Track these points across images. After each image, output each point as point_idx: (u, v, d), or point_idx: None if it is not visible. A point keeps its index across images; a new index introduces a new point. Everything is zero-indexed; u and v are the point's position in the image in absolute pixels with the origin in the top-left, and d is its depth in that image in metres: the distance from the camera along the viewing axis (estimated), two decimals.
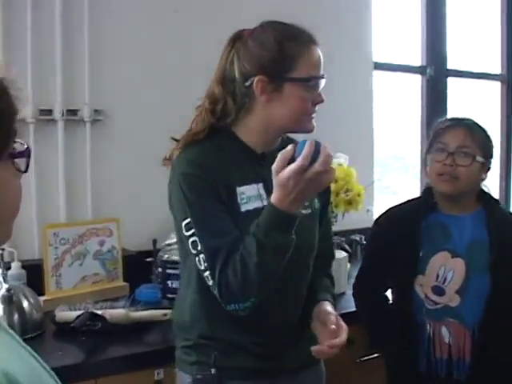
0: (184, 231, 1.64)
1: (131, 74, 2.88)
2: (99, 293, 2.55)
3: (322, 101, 1.73)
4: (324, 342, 1.67)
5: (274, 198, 1.53)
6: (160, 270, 2.52)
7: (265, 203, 1.69)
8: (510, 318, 2.13)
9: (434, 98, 4.21)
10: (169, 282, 2.48)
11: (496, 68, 4.72)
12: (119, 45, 2.86)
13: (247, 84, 1.70)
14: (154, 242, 2.72)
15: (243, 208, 1.70)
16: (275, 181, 1.52)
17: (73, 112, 2.76)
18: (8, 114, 0.89)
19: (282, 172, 1.50)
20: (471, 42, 4.55)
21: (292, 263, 1.63)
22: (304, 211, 1.78)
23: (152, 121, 2.91)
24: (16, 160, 0.92)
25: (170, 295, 2.44)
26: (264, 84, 1.68)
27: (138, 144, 2.89)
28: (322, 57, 1.72)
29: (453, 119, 2.22)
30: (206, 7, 3.05)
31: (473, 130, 2.14)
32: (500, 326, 2.09)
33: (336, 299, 1.94)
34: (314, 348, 1.67)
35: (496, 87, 4.75)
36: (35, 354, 0.96)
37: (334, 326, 1.68)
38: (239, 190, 1.71)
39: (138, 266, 2.71)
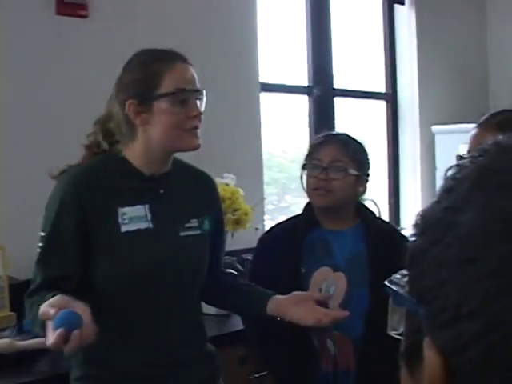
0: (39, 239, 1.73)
1: (13, 99, 2.83)
2: None
3: (197, 114, 1.74)
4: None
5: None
6: None
7: (149, 225, 1.73)
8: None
9: (322, 117, 4.30)
10: None
11: (381, 87, 4.89)
12: None
13: (125, 112, 1.73)
14: None
15: (123, 228, 1.72)
16: None
17: None
18: None
19: None
20: (356, 62, 4.70)
21: (175, 281, 1.69)
22: (193, 232, 1.81)
23: (34, 146, 2.86)
24: None
25: None
26: (135, 107, 1.72)
27: (23, 170, 2.83)
28: (193, 73, 1.76)
29: (326, 135, 2.29)
30: (91, 29, 3.05)
31: (345, 145, 2.22)
32: (380, 338, 2.14)
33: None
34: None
35: (381, 106, 4.92)
36: None
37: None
38: (121, 210, 1.73)
39: None
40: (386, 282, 1.30)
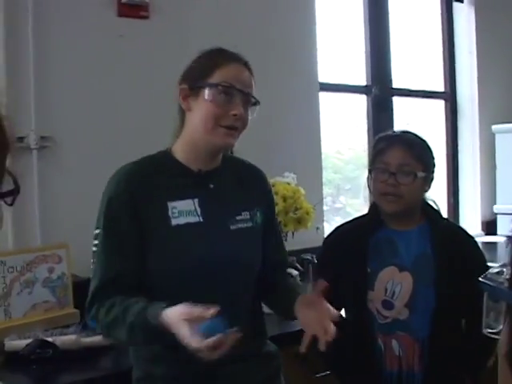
0: (93, 237, 1.75)
1: (78, 99, 2.88)
2: (50, 320, 2.51)
3: (237, 113, 1.73)
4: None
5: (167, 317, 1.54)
6: None
7: (199, 219, 1.75)
8: (456, 330, 2.17)
9: (380, 117, 4.27)
10: None
11: (439, 86, 4.83)
12: (65, 69, 2.85)
13: (178, 96, 1.80)
14: None
15: (174, 222, 1.73)
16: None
17: (19, 139, 2.74)
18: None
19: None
20: (415, 61, 4.65)
21: (226, 277, 1.70)
22: (245, 225, 1.81)
23: (100, 145, 2.91)
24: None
25: None
26: (185, 92, 1.77)
27: (87, 170, 2.87)
28: (249, 77, 1.79)
29: (391, 136, 2.25)
30: (151, 32, 3.07)
31: (411, 146, 2.18)
32: (447, 338, 2.12)
33: None
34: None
35: (440, 105, 4.85)
36: None
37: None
38: (170, 204, 1.74)
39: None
40: (480, 279, 1.26)
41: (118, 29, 2.99)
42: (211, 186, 1.81)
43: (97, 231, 1.74)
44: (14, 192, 0.93)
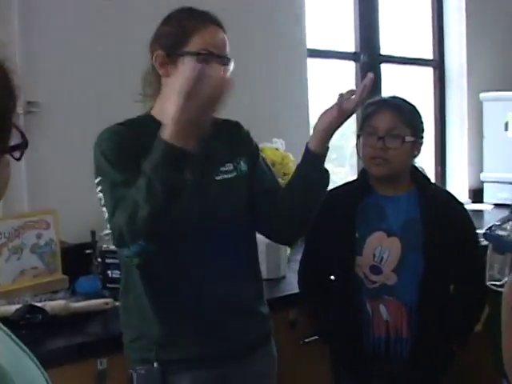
0: (97, 189, 1.71)
1: (65, 63, 2.84)
2: (38, 286, 2.51)
3: None
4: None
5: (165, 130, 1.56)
6: (99, 260, 2.51)
7: (186, 176, 1.69)
8: (444, 295, 2.20)
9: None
10: (109, 272, 2.46)
11: (428, 54, 4.81)
12: (51, 33, 2.81)
13: (154, 62, 1.79)
14: (93, 233, 2.69)
15: None
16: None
17: None
18: (7, 107, 0.88)
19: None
20: (403, 29, 4.63)
21: (211, 231, 1.71)
22: (229, 175, 1.83)
23: (86, 110, 2.88)
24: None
25: (110, 285, 2.43)
26: (161, 58, 1.77)
27: (74, 135, 2.85)
28: (224, 39, 1.79)
29: (380, 101, 2.25)
30: None
31: (400, 110, 2.18)
32: (434, 303, 2.14)
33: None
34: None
35: (428, 73, 4.84)
36: (25, 348, 0.97)
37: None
38: None
39: (78, 259, 2.68)
40: (484, 231, 1.26)
41: None
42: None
43: (98, 178, 1.72)
44: (22, 146, 0.93)
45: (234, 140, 1.92)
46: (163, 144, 1.54)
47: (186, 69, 1.59)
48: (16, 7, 2.70)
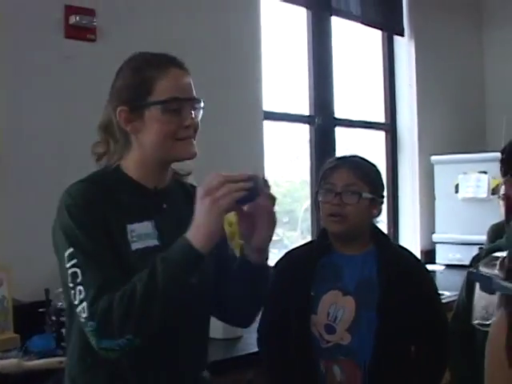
0: (65, 262, 1.57)
1: (24, 118, 2.85)
2: None
3: (190, 124, 1.67)
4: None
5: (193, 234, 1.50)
6: (54, 318, 2.47)
7: (157, 242, 1.66)
8: (399, 355, 2.16)
9: (323, 146, 4.32)
10: (63, 331, 2.41)
11: (380, 117, 4.94)
12: (10, 87, 2.83)
13: (118, 119, 1.68)
14: (47, 291, 2.65)
15: (133, 246, 1.64)
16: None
17: None
18: None
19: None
20: (357, 92, 4.75)
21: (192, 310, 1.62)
22: None
23: (46, 164, 2.87)
24: None
25: (64, 344, 2.38)
26: (126, 114, 1.66)
27: (31, 189, 2.83)
28: (189, 80, 1.70)
29: (339, 158, 2.29)
30: (98, 54, 3.08)
31: (358, 167, 2.21)
32: (390, 364, 2.12)
33: None
34: None
35: (381, 136, 4.96)
36: None
37: None
38: (129, 227, 1.65)
39: (31, 317, 2.62)
40: (471, 270, 1.23)
41: (66, 51, 2.98)
42: (164, 206, 1.74)
43: (69, 250, 1.56)
44: None
45: None
46: (188, 247, 1.50)
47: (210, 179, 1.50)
48: None
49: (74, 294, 1.55)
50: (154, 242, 1.67)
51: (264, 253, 1.69)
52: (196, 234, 1.51)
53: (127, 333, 1.49)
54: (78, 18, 2.98)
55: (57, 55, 2.96)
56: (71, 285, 1.56)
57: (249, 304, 1.81)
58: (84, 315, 1.53)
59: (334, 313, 2.17)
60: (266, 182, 1.57)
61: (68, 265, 1.56)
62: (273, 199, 1.60)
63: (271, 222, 1.63)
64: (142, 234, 1.66)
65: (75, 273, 1.55)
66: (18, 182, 2.84)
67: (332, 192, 2.17)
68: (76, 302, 1.54)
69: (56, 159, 2.88)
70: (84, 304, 1.53)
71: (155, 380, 1.67)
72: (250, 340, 2.45)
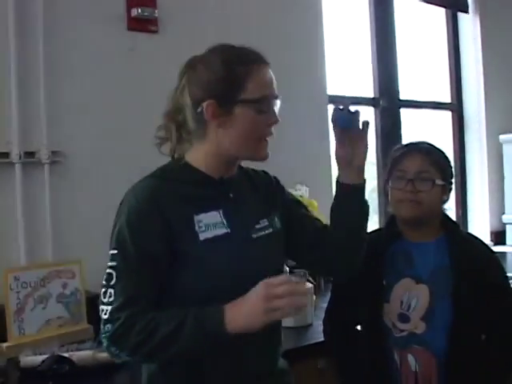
0: (110, 263, 1.60)
1: (89, 113, 2.88)
2: (64, 336, 2.51)
3: (276, 121, 1.67)
4: None
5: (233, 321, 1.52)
6: None
7: (226, 230, 1.67)
8: (474, 344, 2.13)
9: (388, 129, 4.27)
10: None
11: (446, 97, 4.84)
12: (76, 83, 2.86)
13: (199, 110, 1.65)
14: None
15: (202, 236, 1.64)
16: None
17: (30, 154, 2.74)
18: None
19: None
20: (422, 73, 4.66)
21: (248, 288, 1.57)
22: (265, 231, 1.76)
23: (112, 160, 2.91)
24: None
25: None
26: (214, 108, 1.63)
27: (99, 184, 2.88)
28: (273, 76, 1.68)
29: (408, 145, 2.23)
30: (160, 46, 3.09)
31: (430, 154, 2.16)
32: (465, 354, 2.08)
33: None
34: None
35: (447, 116, 4.86)
36: None
37: None
38: (197, 218, 1.65)
39: None
40: None
41: (128, 42, 3.01)
42: (231, 195, 1.74)
43: (114, 251, 1.60)
44: None
45: (268, 193, 1.86)
46: (220, 326, 1.51)
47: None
48: (41, 53, 2.77)
49: (105, 293, 1.60)
50: (222, 231, 1.67)
51: (364, 172, 1.81)
52: (236, 318, 1.52)
53: (137, 357, 1.58)
54: (139, 10, 3.00)
55: (120, 47, 2.99)
56: (104, 283, 1.60)
57: (353, 245, 1.85)
58: (105, 316, 1.59)
59: (407, 301, 2.14)
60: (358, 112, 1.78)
61: (108, 264, 1.61)
62: (367, 124, 1.79)
63: (366, 143, 1.79)
64: (209, 223, 1.66)
65: (110, 274, 1.59)
66: (85, 176, 2.89)
67: (404, 178, 2.13)
68: (104, 300, 1.60)
69: (123, 154, 2.92)
70: (109, 307, 1.58)
71: (231, 370, 1.68)
72: (320, 328, 2.43)
